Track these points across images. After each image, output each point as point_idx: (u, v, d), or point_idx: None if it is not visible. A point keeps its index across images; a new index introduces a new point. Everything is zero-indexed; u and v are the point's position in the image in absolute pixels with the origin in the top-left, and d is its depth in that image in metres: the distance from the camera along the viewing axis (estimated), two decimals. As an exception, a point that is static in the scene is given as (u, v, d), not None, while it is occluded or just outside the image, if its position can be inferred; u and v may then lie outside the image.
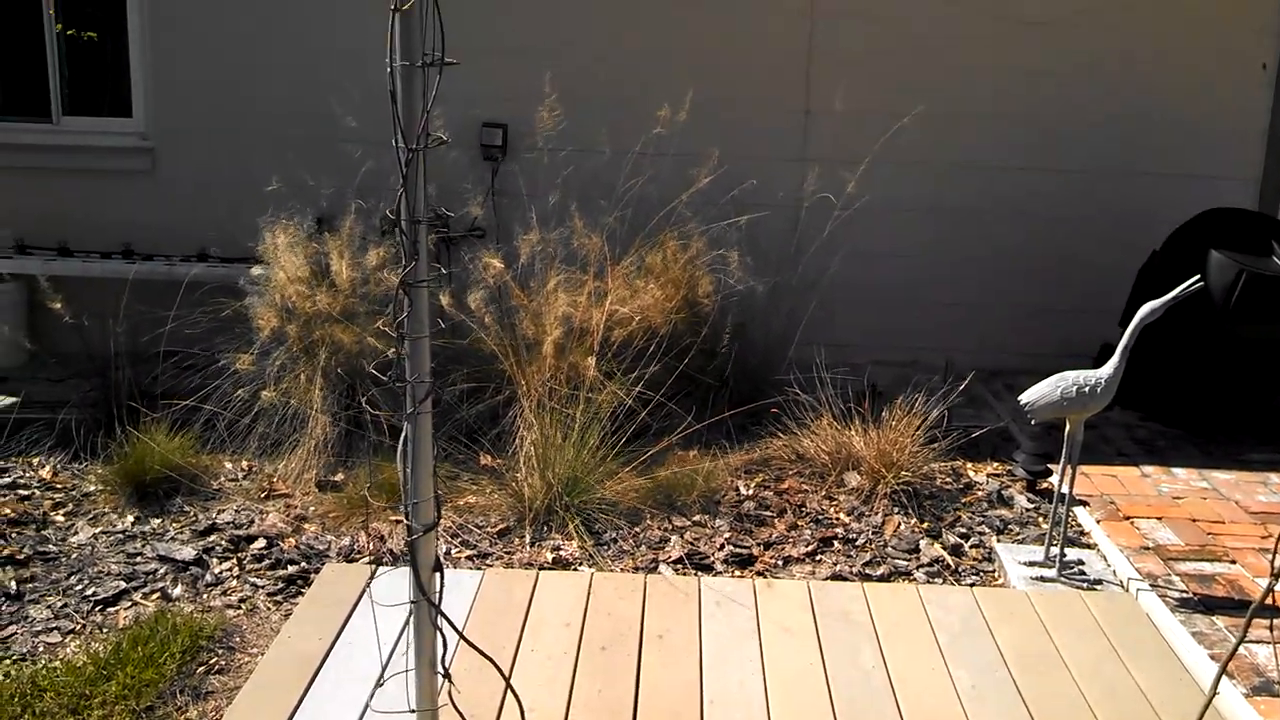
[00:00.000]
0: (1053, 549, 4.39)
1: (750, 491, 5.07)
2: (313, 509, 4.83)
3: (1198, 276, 4.13)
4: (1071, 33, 6.39)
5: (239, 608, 4.11)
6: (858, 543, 4.67)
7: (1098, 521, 4.76)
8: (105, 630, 3.93)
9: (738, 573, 4.42)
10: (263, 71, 6.44)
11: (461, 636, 2.85)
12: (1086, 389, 4.11)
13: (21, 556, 4.39)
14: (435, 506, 2.69)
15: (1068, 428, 4.20)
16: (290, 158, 6.16)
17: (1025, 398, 4.30)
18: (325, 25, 6.35)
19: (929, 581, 4.39)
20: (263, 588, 4.24)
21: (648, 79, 6.33)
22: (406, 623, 2.85)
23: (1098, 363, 6.21)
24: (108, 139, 6.60)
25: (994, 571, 4.49)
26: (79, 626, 3.95)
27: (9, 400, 5.77)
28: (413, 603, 2.72)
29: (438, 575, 2.76)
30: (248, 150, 6.44)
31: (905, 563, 4.52)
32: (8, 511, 4.74)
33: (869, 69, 6.41)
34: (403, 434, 2.61)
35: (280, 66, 6.44)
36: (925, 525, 4.80)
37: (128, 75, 6.54)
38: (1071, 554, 4.47)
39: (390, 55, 2.41)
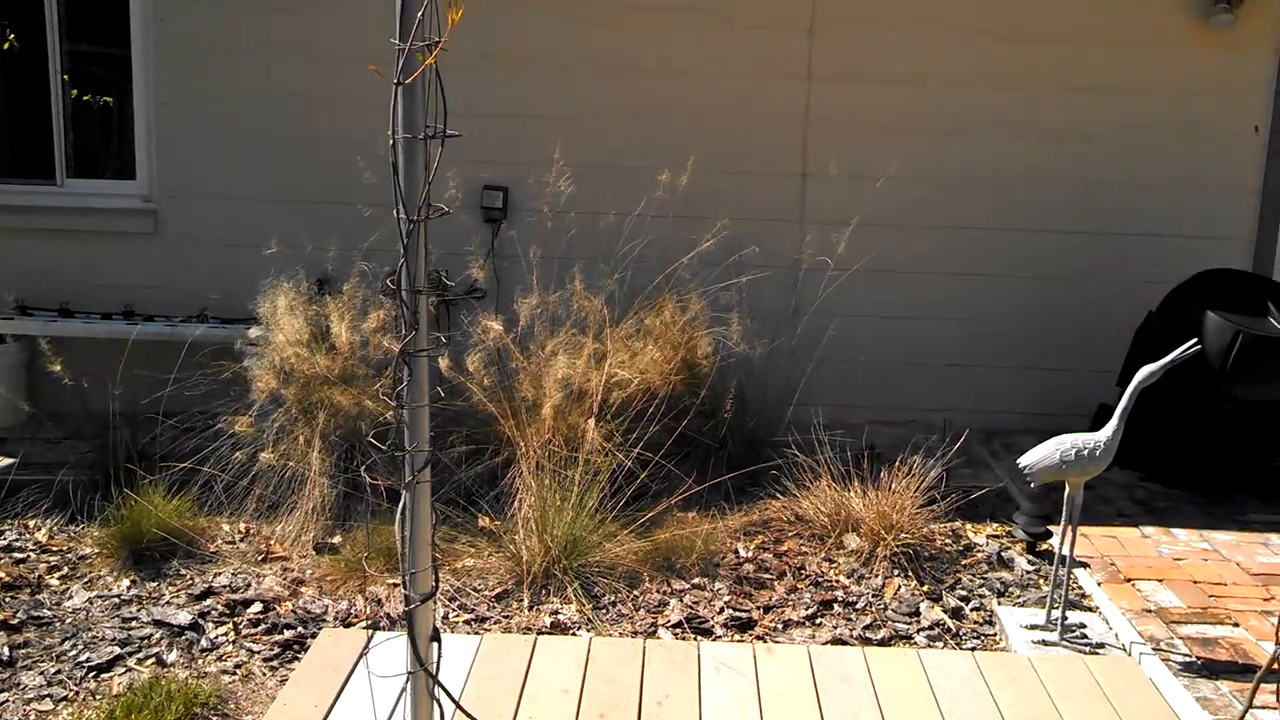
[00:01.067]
0: (1054, 612, 4.36)
1: (750, 554, 5.05)
2: (310, 572, 4.80)
3: (1195, 340, 4.14)
4: (1067, 97, 6.46)
5: (234, 674, 4.08)
6: (858, 606, 4.64)
7: (1099, 584, 4.74)
8: (99, 697, 3.89)
9: (737, 637, 4.39)
10: (265, 135, 6.50)
11: (458, 706, 2.82)
12: (1085, 452, 4.11)
13: (15, 621, 4.35)
14: (433, 575, 2.68)
15: (1067, 490, 4.20)
16: (292, 220, 6.23)
17: (1024, 461, 4.30)
18: (329, 91, 6.41)
19: (930, 645, 4.36)
20: (259, 653, 4.21)
21: (649, 143, 6.40)
22: (403, 692, 2.82)
23: (1095, 423, 6.26)
24: (111, 201, 6.65)
25: (995, 635, 4.46)
26: (72, 694, 3.92)
27: (6, 461, 5.76)
28: (410, 673, 2.70)
29: (435, 645, 2.74)
30: (250, 212, 6.49)
31: (906, 626, 4.49)
32: (2, 575, 4.71)
33: (865, 133, 6.48)
34: (401, 502, 2.61)
35: (283, 130, 6.50)
36: (925, 588, 4.78)
37: (132, 138, 6.61)
38: (1073, 617, 4.44)
39: (392, 127, 2.44)
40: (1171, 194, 6.56)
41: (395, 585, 4.59)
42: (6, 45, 6.13)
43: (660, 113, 6.46)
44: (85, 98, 6.42)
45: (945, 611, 4.60)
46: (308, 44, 6.42)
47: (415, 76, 2.37)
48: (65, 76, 6.57)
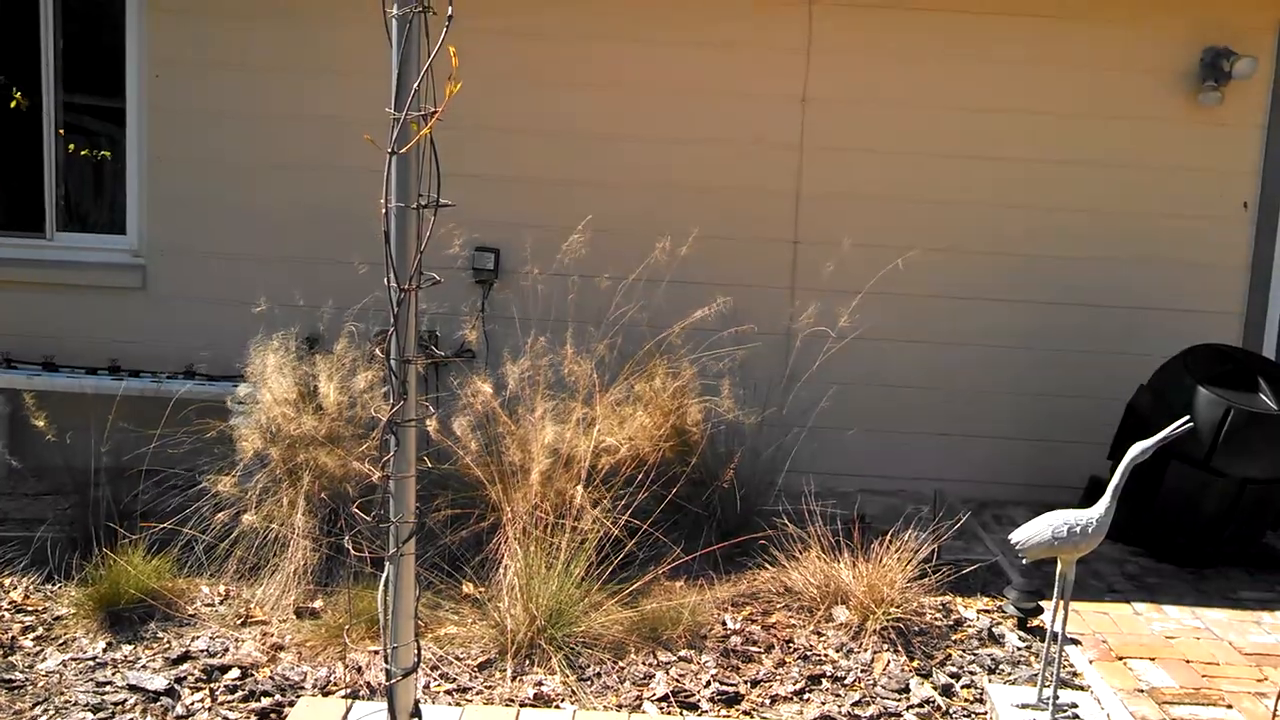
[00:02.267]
0: (1046, 690, 4.29)
1: (738, 625, 4.97)
2: (290, 637, 4.71)
3: (1187, 418, 4.12)
4: (1057, 171, 6.51)
5: (209, 743, 3.98)
6: (846, 681, 4.57)
7: (1090, 662, 4.68)
8: (69, 765, 3.79)
9: (724, 711, 4.31)
10: (256, 192, 6.50)
11: (439, 786, 2.75)
12: (1078, 529, 4.07)
13: (-13, 684, 4.26)
14: (415, 649, 2.62)
15: (1059, 565, 4.15)
16: (282, 278, 6.21)
17: (1016, 536, 4.25)
18: (320, 150, 6.42)
19: (920, 723, 4.29)
20: (235, 721, 4.11)
21: (641, 209, 6.43)
22: (382, 770, 2.75)
23: (1086, 496, 6.23)
24: (100, 255, 6.63)
25: (986, 713, 4.39)
26: (42, 761, 3.82)
27: (-15, 517, 5.68)
28: (389, 751, 2.63)
29: (415, 719, 2.68)
30: (240, 269, 6.47)
31: (895, 703, 4.42)
32: (-24, 635, 4.62)
33: (857, 203, 6.52)
34: (385, 574, 2.55)
35: (274, 188, 6.50)
36: (915, 663, 4.71)
37: (123, 191, 6.61)
38: (1065, 696, 4.37)
39: (385, 196, 2.43)
40: (1161, 268, 6.58)
41: (376, 652, 4.50)
42: (14, 104, 6.14)
43: (653, 180, 6.49)
44: (81, 152, 6.42)
45: (935, 689, 4.52)
46: (300, 105, 6.44)
47: (410, 147, 2.36)
48: (60, 131, 6.57)
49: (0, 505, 5.78)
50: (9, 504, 5.84)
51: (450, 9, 2.23)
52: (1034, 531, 4.17)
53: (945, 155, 6.50)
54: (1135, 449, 4.02)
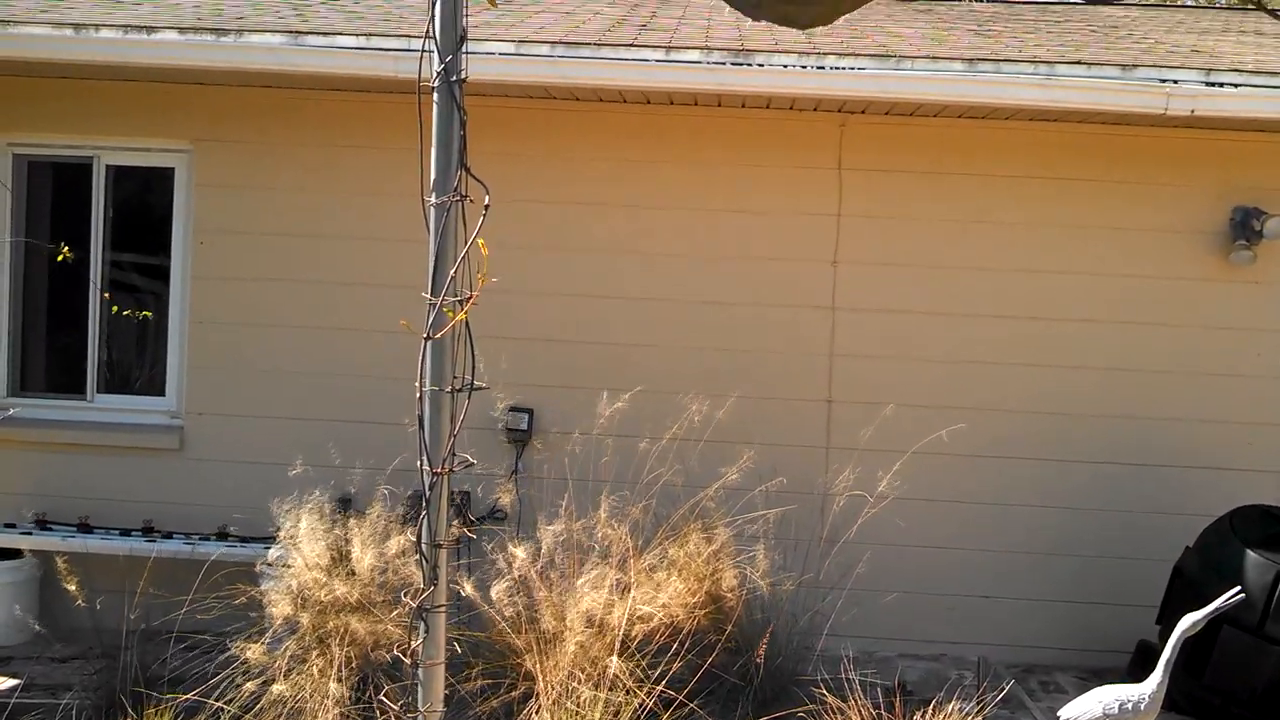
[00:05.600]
0: None
1: (776, 802, 4.79)
2: (315, 814, 4.57)
3: (1238, 588, 4.02)
4: (1097, 331, 6.51)
5: None
6: None
7: (1149, 846, 4.45)
8: None
9: None
10: (294, 357, 6.59)
11: None
12: (1129, 705, 3.93)
13: None
14: (443, 845, 2.53)
15: (1112, 746, 3.99)
16: (317, 439, 6.23)
17: (1066, 713, 4.10)
18: (355, 314, 6.53)
19: None
20: None
21: (676, 369, 6.45)
22: None
23: (1135, 661, 6.03)
24: (139, 416, 6.72)
25: None
26: None
27: (10, 683, 5.61)
28: None
29: None
30: (276, 431, 6.52)
31: None
32: (-5, 811, 4.51)
33: (892, 364, 6.52)
34: (412, 766, 2.48)
35: (310, 349, 6.59)
36: (964, 846, 4.50)
37: (163, 352, 6.71)
38: None
39: (420, 380, 2.44)
40: (1203, 427, 6.50)
41: (403, 832, 4.35)
42: (61, 258, 6.33)
43: (687, 341, 6.53)
44: (124, 313, 6.56)
45: None
46: (338, 272, 6.58)
47: (445, 332, 2.38)
48: (106, 295, 6.72)
49: (25, 670, 5.72)
50: (35, 669, 5.77)
51: (487, 198, 2.27)
52: (1084, 708, 4.03)
53: (980, 315, 6.52)
54: (1185, 622, 3.90)
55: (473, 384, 2.45)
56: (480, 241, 2.24)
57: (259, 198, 6.64)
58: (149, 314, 6.69)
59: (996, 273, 6.53)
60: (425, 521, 2.42)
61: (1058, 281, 6.52)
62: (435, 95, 2.65)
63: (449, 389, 2.42)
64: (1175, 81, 6.09)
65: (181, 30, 6.25)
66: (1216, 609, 3.88)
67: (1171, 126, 6.33)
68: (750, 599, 5.63)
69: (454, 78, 2.58)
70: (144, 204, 6.97)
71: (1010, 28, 7.97)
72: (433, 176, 2.58)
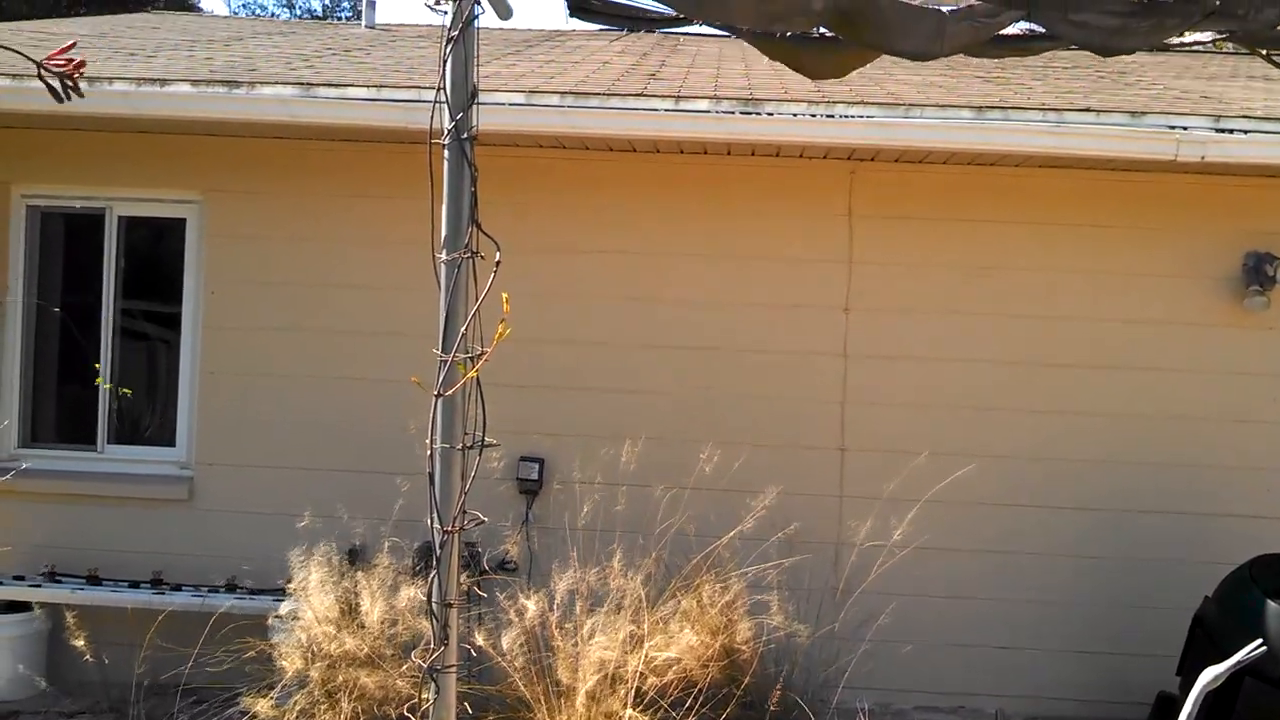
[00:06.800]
0: None
1: None
2: None
3: (1260, 641, 3.95)
4: (1110, 378, 6.46)
5: None
6: None
7: None
8: None
9: None
10: (305, 406, 6.58)
11: None
12: (1152, 761, 3.85)
13: None
14: None
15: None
16: (328, 491, 6.21)
17: (1087, 769, 4.02)
18: (366, 365, 6.52)
19: None
20: None
21: (688, 416, 6.43)
22: None
23: (1155, 714, 5.93)
24: (149, 467, 6.70)
25: None
26: None
27: (19, 739, 5.56)
28: None
29: None
30: (286, 482, 6.48)
31: None
32: None
33: (902, 410, 6.47)
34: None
35: (320, 400, 6.57)
36: None
37: (174, 401, 6.71)
38: None
39: (430, 437, 2.42)
40: (1220, 473, 6.44)
41: None
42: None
43: (698, 389, 6.50)
44: (135, 362, 6.57)
45: None
46: (348, 321, 6.58)
47: (456, 389, 2.36)
48: (114, 349, 6.73)
49: (34, 726, 5.67)
50: (42, 725, 5.72)
51: (498, 255, 2.26)
52: (1106, 764, 3.95)
53: (992, 361, 6.48)
54: (1206, 675, 3.83)
55: (484, 441, 2.43)
56: (504, 296, 2.23)
57: (270, 248, 6.66)
58: (157, 362, 6.69)
59: (1009, 319, 6.50)
60: (435, 580, 2.39)
61: (1070, 328, 6.49)
62: (446, 152, 2.65)
63: (459, 446, 2.39)
64: (1185, 128, 6.08)
65: (194, 83, 6.30)
66: (1238, 662, 3.81)
67: (1182, 172, 6.32)
68: (765, 651, 5.56)
69: (465, 135, 2.58)
70: (156, 254, 7.00)
71: (1019, 74, 7.99)
72: (443, 233, 2.57)
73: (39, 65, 1.86)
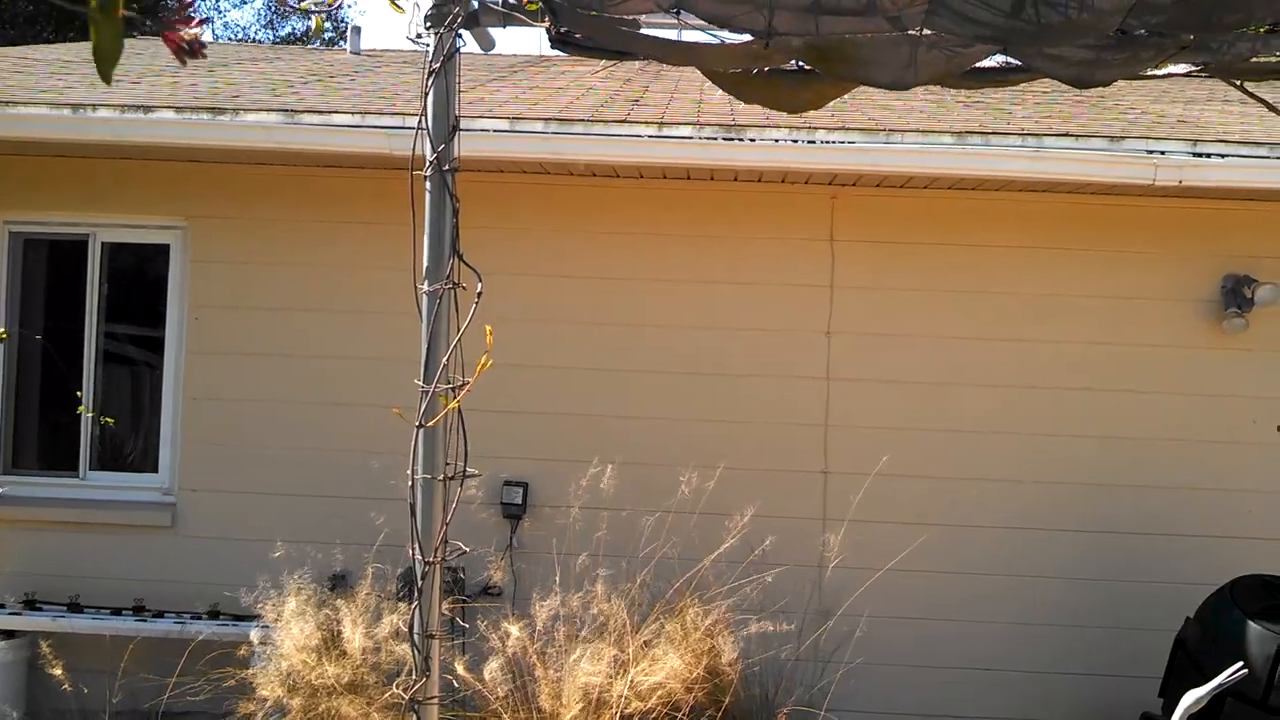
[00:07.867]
0: None
1: None
2: None
3: (1241, 664, 3.97)
4: (1090, 400, 6.50)
5: None
6: None
7: None
8: None
9: None
10: (288, 432, 6.56)
11: None
12: (1134, 785, 3.86)
13: None
14: None
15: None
16: (311, 518, 6.21)
17: (1069, 793, 4.03)
18: (350, 389, 6.51)
19: None
20: None
21: (671, 441, 6.43)
22: None
23: (1139, 737, 5.94)
24: (131, 493, 6.67)
25: None
26: None
27: (-3, 769, 5.51)
28: None
29: None
30: (268, 508, 6.46)
31: None
32: None
33: (887, 434, 6.48)
34: None
35: (304, 428, 6.56)
36: None
37: (157, 426, 6.69)
38: None
39: (412, 468, 2.42)
40: (1200, 495, 6.47)
41: None
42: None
43: (680, 413, 6.51)
44: (117, 388, 6.55)
45: None
46: (331, 346, 6.57)
47: (438, 420, 2.37)
48: (96, 370, 6.71)
49: (14, 756, 5.62)
50: (22, 754, 5.67)
51: (480, 286, 2.27)
52: (1088, 788, 3.97)
53: (974, 385, 6.52)
54: (1189, 699, 3.85)
55: (464, 471, 2.43)
56: (488, 329, 2.24)
57: (252, 273, 6.66)
58: (138, 388, 6.67)
59: (990, 342, 6.54)
60: (417, 611, 2.40)
61: (1051, 351, 6.53)
62: (428, 183, 2.66)
63: (441, 477, 2.40)
64: (1163, 152, 6.14)
65: (179, 110, 6.30)
66: (1220, 685, 3.83)
67: (1161, 196, 6.37)
68: (748, 672, 5.56)
69: (446, 166, 2.59)
70: (139, 279, 6.99)
71: (999, 99, 8.05)
72: (425, 264, 2.58)
73: (162, 35, 1.94)
